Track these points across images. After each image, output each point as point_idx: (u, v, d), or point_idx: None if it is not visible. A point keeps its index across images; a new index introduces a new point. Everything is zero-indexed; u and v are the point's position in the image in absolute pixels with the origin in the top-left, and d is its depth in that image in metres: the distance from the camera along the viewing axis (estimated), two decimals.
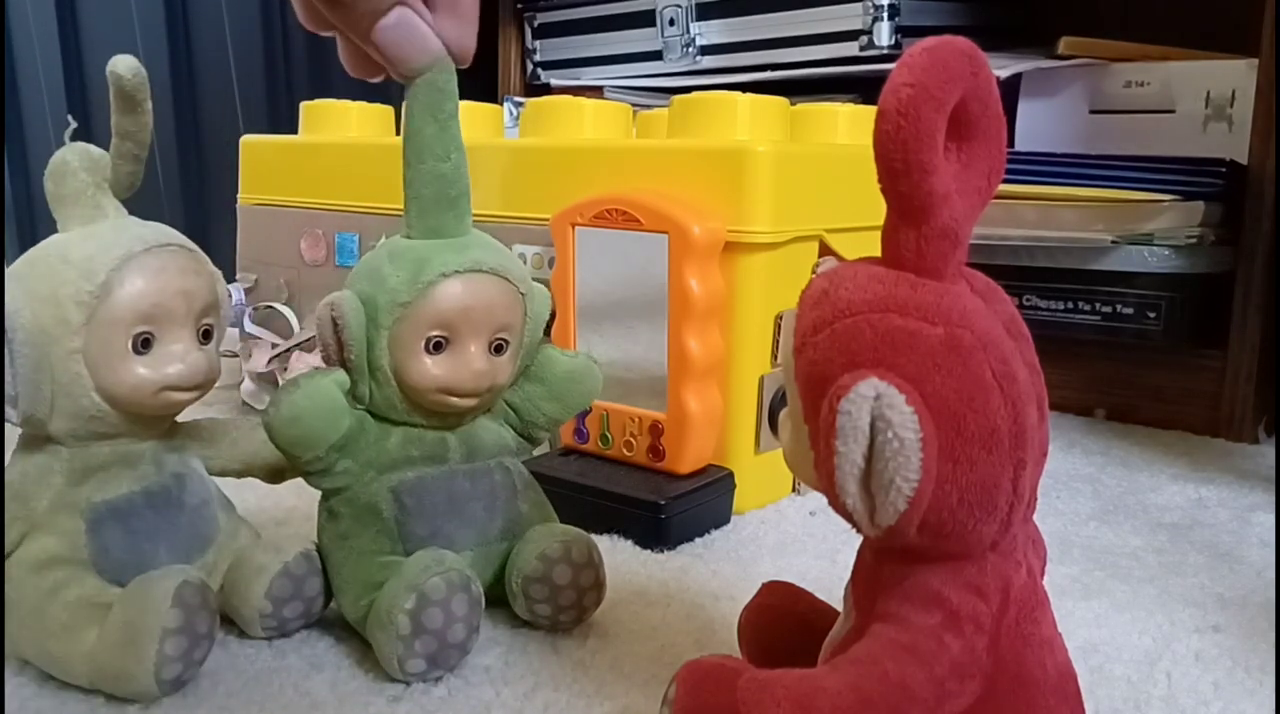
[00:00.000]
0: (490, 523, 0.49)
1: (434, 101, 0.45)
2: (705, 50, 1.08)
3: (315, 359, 0.80)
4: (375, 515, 0.47)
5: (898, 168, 0.30)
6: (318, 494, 0.48)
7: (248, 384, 0.87)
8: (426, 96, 0.44)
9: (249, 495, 0.56)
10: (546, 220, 0.68)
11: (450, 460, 0.48)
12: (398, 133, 0.90)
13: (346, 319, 0.45)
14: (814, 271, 0.58)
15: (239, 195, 0.94)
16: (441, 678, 0.45)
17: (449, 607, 0.43)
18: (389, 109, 0.92)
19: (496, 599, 0.50)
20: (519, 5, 1.23)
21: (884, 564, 0.33)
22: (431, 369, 0.46)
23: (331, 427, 0.45)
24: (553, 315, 0.52)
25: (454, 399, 0.46)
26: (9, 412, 0.43)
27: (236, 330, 0.88)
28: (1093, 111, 0.94)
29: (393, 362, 0.46)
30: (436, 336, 0.46)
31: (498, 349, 0.47)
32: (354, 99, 0.92)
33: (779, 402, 0.67)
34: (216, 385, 0.48)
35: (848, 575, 0.36)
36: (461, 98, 0.46)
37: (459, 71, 0.45)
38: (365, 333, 0.45)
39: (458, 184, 0.46)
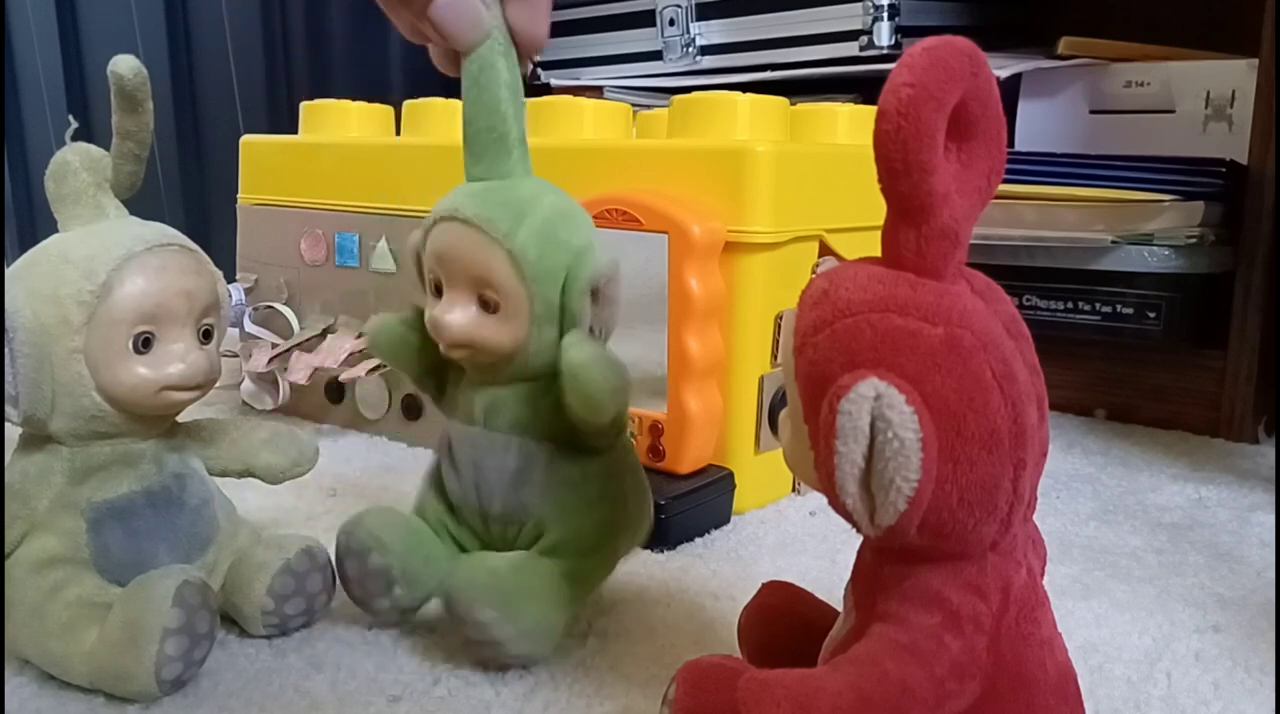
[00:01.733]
0: (491, 499, 0.48)
1: (476, 73, 0.45)
2: (705, 50, 1.08)
3: (315, 359, 0.80)
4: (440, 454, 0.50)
5: (898, 168, 0.30)
6: (318, 495, 0.49)
7: (248, 384, 0.87)
8: (475, 71, 0.45)
9: (249, 495, 0.56)
10: None
11: (473, 421, 0.48)
12: (398, 133, 0.91)
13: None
14: (814, 271, 0.58)
15: (239, 195, 0.94)
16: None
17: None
18: (389, 109, 0.92)
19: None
20: None
21: (884, 564, 0.33)
22: (430, 311, 0.47)
23: (401, 355, 0.50)
24: None
25: (442, 347, 0.47)
26: (10, 411, 0.43)
27: (236, 330, 0.88)
28: (1093, 111, 0.94)
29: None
30: (431, 280, 0.47)
31: (487, 306, 0.45)
32: (354, 99, 0.92)
33: (779, 402, 0.67)
34: (216, 385, 0.48)
35: (848, 575, 0.36)
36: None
37: None
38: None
39: (472, 124, 0.46)
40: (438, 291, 0.47)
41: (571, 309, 0.45)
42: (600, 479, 0.48)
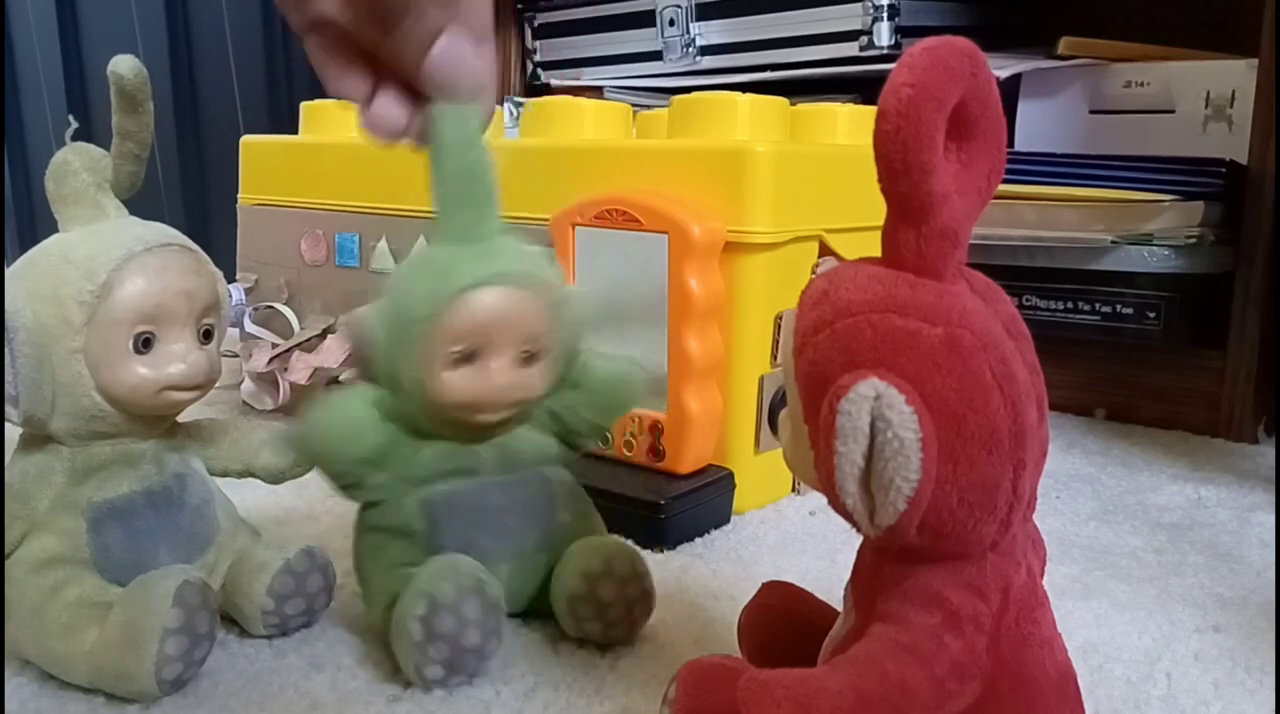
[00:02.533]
0: (526, 534, 0.48)
1: (455, 127, 0.44)
2: (705, 50, 1.08)
3: (315, 359, 0.80)
4: (407, 528, 0.47)
5: (898, 168, 0.30)
6: (318, 495, 0.49)
7: (248, 384, 0.87)
8: (449, 125, 0.44)
9: (249, 495, 0.56)
10: (546, 220, 0.68)
11: (483, 472, 0.48)
12: None
13: (369, 335, 0.45)
14: (814, 271, 0.58)
15: (239, 195, 0.94)
16: (464, 682, 0.44)
17: (460, 610, 0.42)
18: None
19: (539, 612, 0.49)
20: (519, 5, 1.23)
21: (884, 564, 0.33)
22: (454, 384, 0.44)
23: (354, 442, 0.45)
24: None
25: (482, 415, 0.45)
26: (10, 411, 0.43)
27: (236, 330, 0.88)
28: (1093, 111, 0.94)
29: (419, 375, 0.44)
30: (460, 351, 0.44)
31: (528, 360, 0.46)
32: None
33: (779, 402, 0.67)
34: (216, 385, 0.48)
35: (848, 575, 0.36)
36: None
37: None
38: (391, 347, 0.45)
39: (480, 181, 0.45)
40: (465, 361, 0.44)
41: (577, 341, 0.49)
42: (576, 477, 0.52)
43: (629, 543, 0.49)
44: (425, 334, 0.44)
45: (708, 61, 1.08)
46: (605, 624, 0.47)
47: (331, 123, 0.90)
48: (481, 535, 0.47)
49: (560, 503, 0.49)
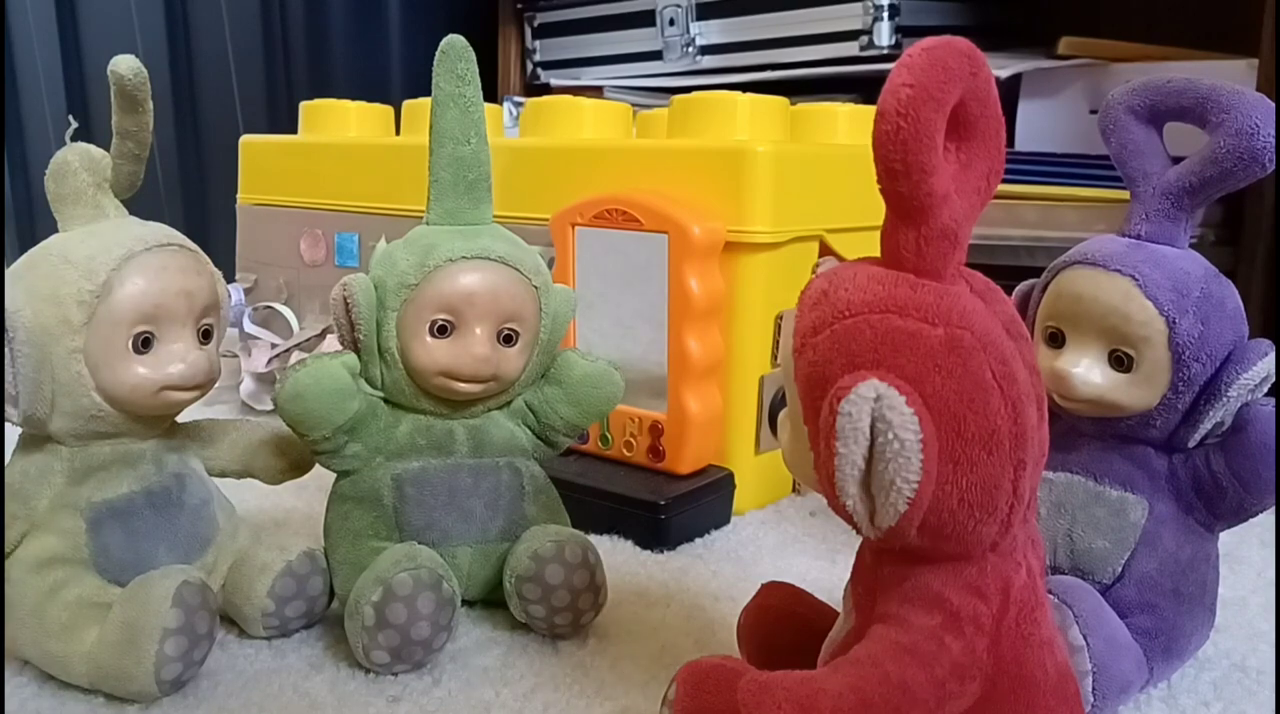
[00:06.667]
0: (491, 521, 0.49)
1: (455, 88, 0.47)
2: (705, 50, 1.08)
3: None
4: (376, 501, 0.48)
5: (897, 168, 0.30)
6: (318, 495, 0.49)
7: (248, 384, 0.87)
8: (448, 84, 0.47)
9: (249, 495, 0.56)
10: (546, 220, 0.68)
11: (457, 453, 0.49)
12: (397, 133, 0.91)
13: (356, 298, 0.46)
14: (814, 271, 0.58)
15: (239, 195, 0.94)
16: (408, 669, 0.45)
17: (414, 603, 0.44)
18: (389, 109, 0.92)
19: (497, 601, 0.50)
20: (519, 5, 1.23)
21: (884, 565, 0.33)
22: (434, 352, 0.46)
23: (335, 408, 0.46)
24: None
25: (457, 384, 0.47)
26: (10, 411, 0.43)
27: (236, 330, 0.88)
28: (1093, 111, 0.93)
29: (399, 344, 0.47)
30: (441, 320, 0.46)
31: (507, 339, 0.47)
32: (354, 99, 0.92)
33: (779, 402, 0.67)
34: (216, 385, 0.48)
35: (848, 576, 0.36)
36: None
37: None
38: (375, 314, 0.47)
39: (476, 169, 0.48)
40: (445, 331, 0.47)
41: (559, 336, 0.50)
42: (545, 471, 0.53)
43: (585, 535, 0.49)
44: (410, 301, 0.46)
45: (708, 61, 1.08)
46: (550, 609, 0.47)
47: (331, 123, 0.90)
48: (447, 516, 0.48)
49: (529, 496, 0.50)
